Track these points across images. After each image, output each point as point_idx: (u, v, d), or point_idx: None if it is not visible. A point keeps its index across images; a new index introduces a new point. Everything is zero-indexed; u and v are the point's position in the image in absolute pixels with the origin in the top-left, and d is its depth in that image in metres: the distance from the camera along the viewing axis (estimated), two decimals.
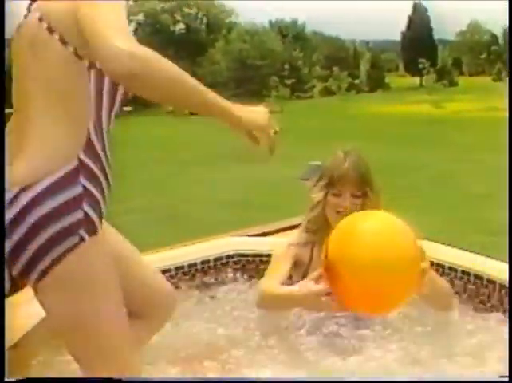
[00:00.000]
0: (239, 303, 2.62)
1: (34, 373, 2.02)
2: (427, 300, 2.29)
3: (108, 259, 1.68)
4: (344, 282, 1.97)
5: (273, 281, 2.43)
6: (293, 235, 2.65)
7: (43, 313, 1.74)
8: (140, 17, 43.17)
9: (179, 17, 46.92)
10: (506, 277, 2.53)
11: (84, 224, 1.59)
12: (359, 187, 2.44)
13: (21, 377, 1.74)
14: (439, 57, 52.10)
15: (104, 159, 1.67)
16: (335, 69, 40.94)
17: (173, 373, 2.09)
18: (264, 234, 3.23)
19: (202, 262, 2.90)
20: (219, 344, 2.30)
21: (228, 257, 2.96)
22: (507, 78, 27.33)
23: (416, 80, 47.52)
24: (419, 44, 51.53)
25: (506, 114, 11.42)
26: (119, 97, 1.67)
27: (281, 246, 2.61)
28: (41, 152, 1.59)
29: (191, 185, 8.82)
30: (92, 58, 1.57)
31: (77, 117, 1.62)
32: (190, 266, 2.86)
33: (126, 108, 1.74)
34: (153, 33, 42.03)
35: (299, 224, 2.68)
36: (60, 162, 1.58)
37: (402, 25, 58.34)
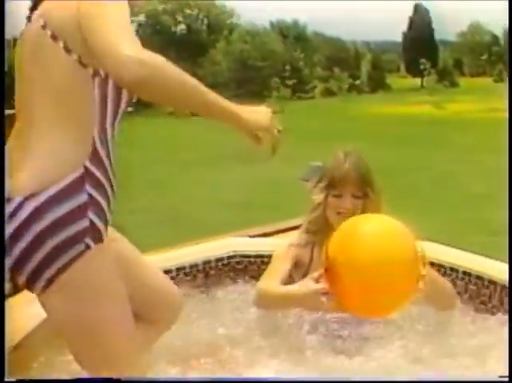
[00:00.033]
0: (240, 304, 2.62)
1: (36, 373, 2.02)
2: (429, 300, 2.30)
3: (114, 266, 1.68)
4: (343, 283, 1.99)
5: (272, 280, 2.44)
6: (294, 236, 2.66)
7: (43, 314, 1.74)
8: (141, 17, 43.14)
9: (180, 18, 46.89)
10: (506, 277, 2.54)
11: (90, 232, 1.59)
12: (359, 187, 2.45)
13: (21, 377, 1.75)
14: (440, 58, 52.03)
15: (108, 167, 1.67)
16: (336, 69, 40.95)
17: (173, 372, 2.10)
18: (265, 235, 3.24)
19: (204, 263, 2.90)
20: (220, 344, 2.30)
21: (229, 257, 2.96)
22: (507, 79, 27.31)
23: (417, 81, 47.43)
24: (420, 45, 51.45)
25: (507, 115, 11.41)
26: (123, 105, 1.67)
27: (282, 247, 2.61)
28: (45, 161, 1.59)
29: (192, 186, 8.82)
30: (98, 65, 1.56)
31: (82, 125, 1.62)
32: (191, 266, 2.87)
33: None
34: (154, 33, 42.00)
35: (300, 225, 2.69)
36: (65, 170, 1.58)
37: (403, 25, 58.32)
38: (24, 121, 1.66)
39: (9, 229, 1.57)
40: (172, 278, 2.65)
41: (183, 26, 46.90)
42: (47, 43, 1.58)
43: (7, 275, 1.65)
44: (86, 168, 1.60)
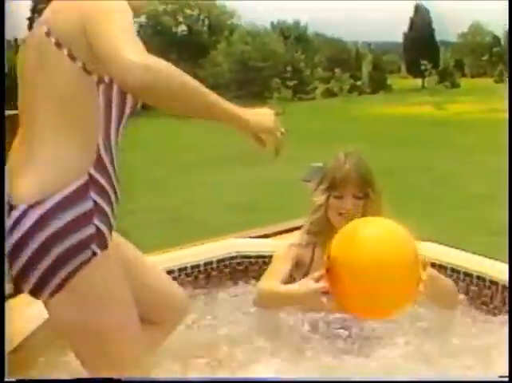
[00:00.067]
0: (242, 304, 2.62)
1: (36, 373, 2.02)
2: (432, 299, 2.30)
3: (119, 271, 1.68)
4: (344, 284, 2.02)
5: (272, 280, 2.44)
6: (296, 237, 2.66)
7: (43, 316, 1.74)
8: (142, 18, 43.12)
9: (180, 19, 46.91)
10: (507, 278, 2.54)
11: (96, 239, 1.59)
12: (360, 188, 2.45)
13: (21, 378, 1.75)
14: (441, 59, 52.01)
15: (112, 173, 1.67)
16: (337, 70, 40.85)
17: (174, 372, 2.10)
18: (266, 236, 3.24)
19: (205, 264, 2.90)
20: (220, 344, 2.30)
21: (231, 258, 2.96)
22: (508, 79, 27.28)
23: (418, 81, 47.43)
24: (421, 45, 51.45)
25: (507, 115, 11.40)
26: (127, 110, 1.67)
27: (283, 247, 2.62)
28: (49, 168, 1.59)
29: (194, 187, 8.82)
30: (103, 71, 1.56)
31: (87, 132, 1.61)
32: (193, 267, 2.87)
33: None
34: (155, 34, 42.00)
35: (301, 226, 2.69)
36: (70, 177, 1.58)
37: (404, 26, 58.37)
38: (26, 127, 1.66)
39: (13, 237, 1.56)
40: (174, 279, 2.66)
41: (183, 27, 46.93)
42: (51, 50, 1.58)
43: (12, 283, 1.65)
44: (91, 175, 1.60)
